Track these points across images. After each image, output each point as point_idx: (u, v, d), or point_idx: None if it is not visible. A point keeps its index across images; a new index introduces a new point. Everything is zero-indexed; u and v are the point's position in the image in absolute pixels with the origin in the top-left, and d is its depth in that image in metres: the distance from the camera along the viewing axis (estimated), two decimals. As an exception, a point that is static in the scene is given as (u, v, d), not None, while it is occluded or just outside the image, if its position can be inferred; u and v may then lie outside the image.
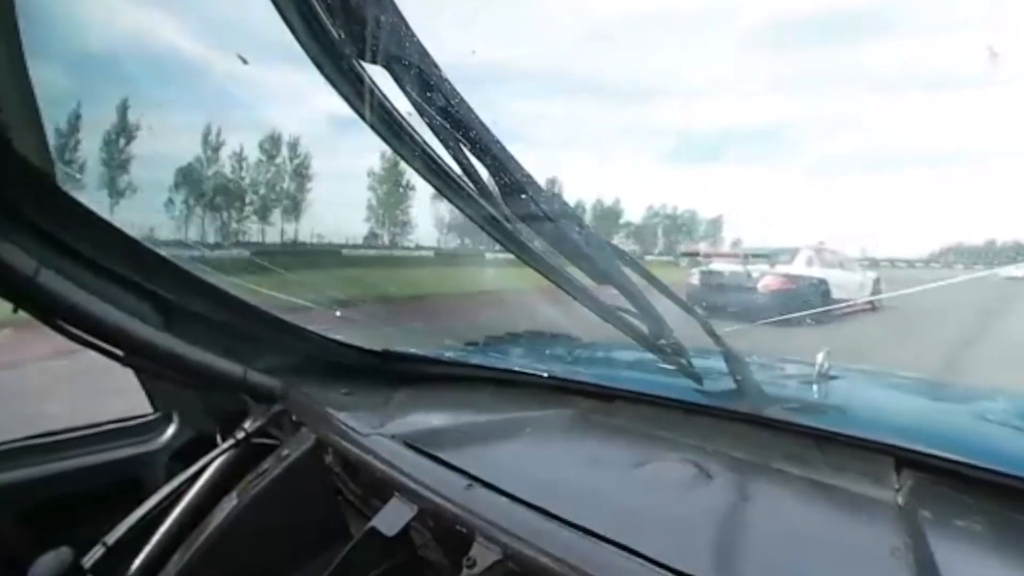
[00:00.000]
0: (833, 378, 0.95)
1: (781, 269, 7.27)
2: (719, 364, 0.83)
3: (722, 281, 7.33)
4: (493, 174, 0.60)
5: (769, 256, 7.49)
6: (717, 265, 7.81)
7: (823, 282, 7.49)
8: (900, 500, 0.66)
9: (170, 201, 15.87)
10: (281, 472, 0.93)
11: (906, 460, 0.72)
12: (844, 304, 6.45)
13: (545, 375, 1.04)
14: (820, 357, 0.92)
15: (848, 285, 8.20)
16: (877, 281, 9.26)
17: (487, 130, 0.57)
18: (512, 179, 0.60)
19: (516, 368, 1.09)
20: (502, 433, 0.87)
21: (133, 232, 0.84)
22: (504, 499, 0.65)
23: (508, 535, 0.60)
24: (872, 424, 0.80)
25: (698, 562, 0.53)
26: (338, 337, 1.14)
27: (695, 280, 7.56)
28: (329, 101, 0.53)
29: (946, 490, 0.68)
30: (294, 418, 1.01)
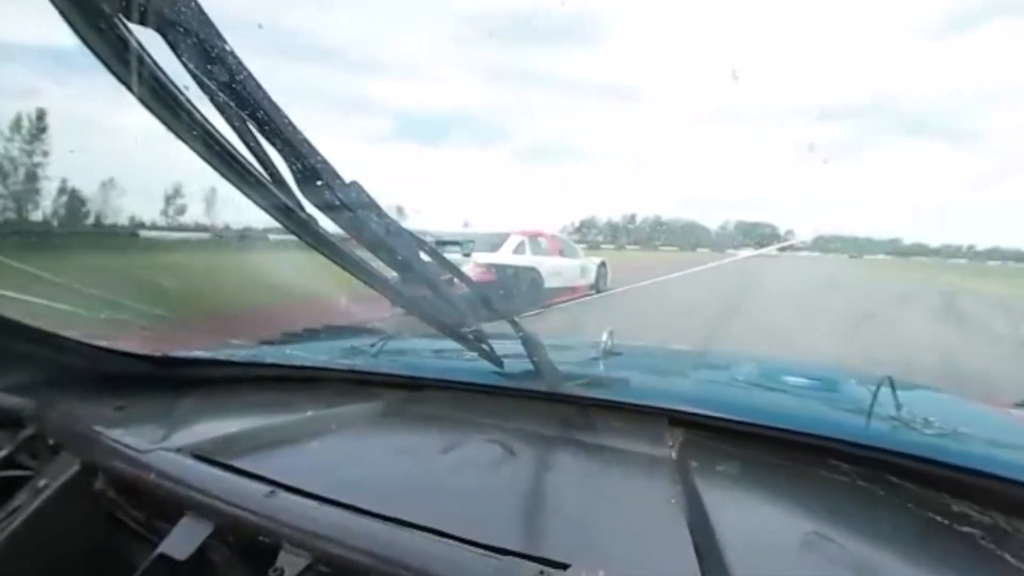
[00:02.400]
0: (617, 354, 1.08)
1: (482, 258, 6.68)
2: (519, 348, 0.89)
3: None
4: (285, 159, 0.58)
5: (462, 244, 6.60)
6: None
7: (532, 270, 7.22)
8: (674, 455, 0.77)
9: None
10: (38, 507, 0.78)
11: (677, 420, 0.84)
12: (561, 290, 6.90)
13: (348, 369, 1.02)
14: (605, 336, 1.04)
15: (566, 272, 8.17)
16: (602, 265, 9.43)
17: (278, 111, 0.54)
18: (306, 165, 0.58)
19: (317, 364, 1.05)
20: (304, 433, 0.84)
21: None
22: (310, 502, 0.63)
23: (316, 538, 0.59)
24: (649, 392, 0.93)
25: (504, 533, 0.56)
26: (105, 343, 0.99)
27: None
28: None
29: (710, 442, 0.80)
30: (51, 442, 0.86)
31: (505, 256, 7.17)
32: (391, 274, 0.73)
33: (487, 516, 0.62)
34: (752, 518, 0.65)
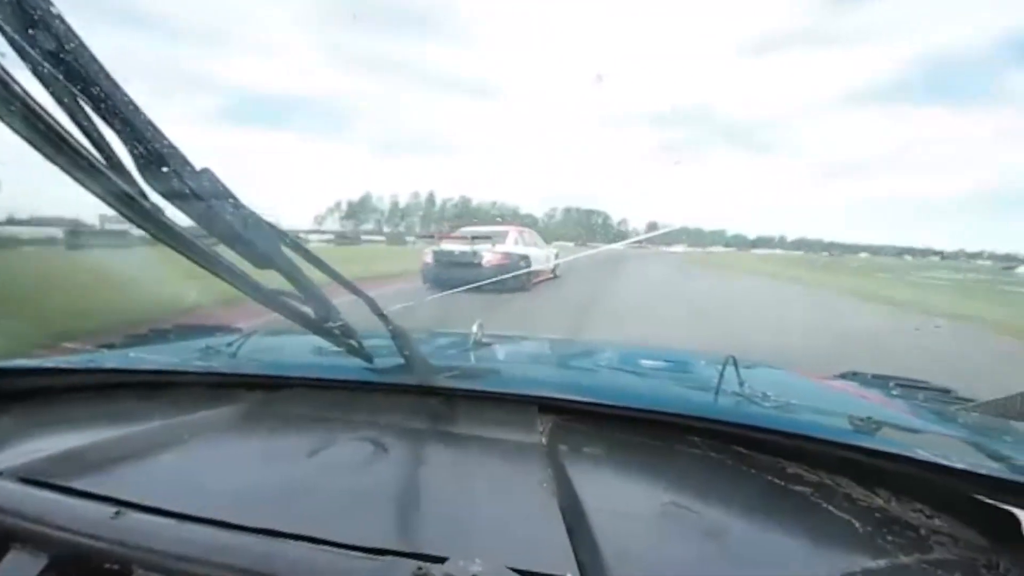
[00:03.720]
0: (487, 344, 1.12)
1: (499, 248, 9.13)
2: (388, 342, 0.88)
3: (453, 259, 8.88)
4: (125, 142, 0.52)
5: (492, 238, 9.30)
6: (448, 245, 9.38)
7: (526, 257, 9.51)
8: (544, 440, 0.81)
9: None
10: None
11: (546, 406, 0.88)
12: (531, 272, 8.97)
13: (203, 371, 0.95)
14: (475, 327, 1.07)
15: (541, 259, 10.79)
16: (557, 255, 12.10)
17: (118, 87, 0.49)
18: (150, 149, 0.53)
19: (167, 368, 0.96)
20: (154, 445, 0.76)
21: None
22: (164, 520, 0.57)
23: (172, 558, 0.53)
24: (519, 380, 0.97)
25: (380, 533, 0.56)
26: None
27: (429, 259, 9.07)
28: None
29: (577, 425, 0.85)
30: None
31: (511, 246, 9.43)
32: (250, 268, 0.69)
33: (361, 517, 0.61)
34: (617, 494, 0.70)
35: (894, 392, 1.13)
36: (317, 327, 0.82)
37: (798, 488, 0.73)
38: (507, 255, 9.02)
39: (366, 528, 0.57)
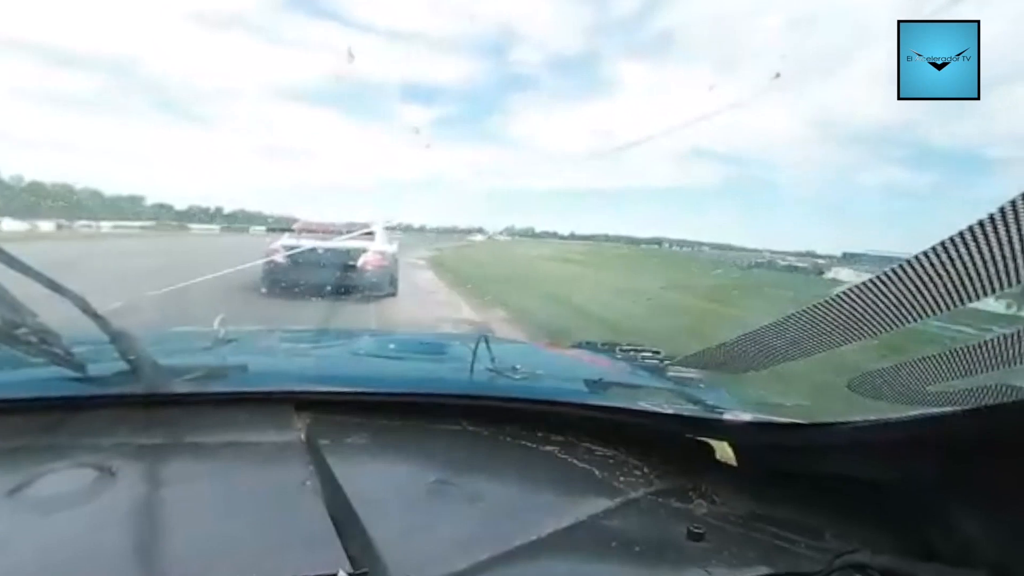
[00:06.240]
0: (231, 341, 1.03)
1: (375, 246, 7.28)
2: (107, 347, 0.77)
3: (318, 259, 6.68)
4: None
5: (373, 233, 7.17)
6: (307, 240, 6.98)
7: (395, 255, 7.98)
8: (303, 437, 0.77)
9: None
10: None
11: (303, 402, 0.84)
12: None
13: None
14: (216, 323, 0.98)
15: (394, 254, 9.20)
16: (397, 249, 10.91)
17: None
18: None
19: None
20: None
21: None
22: None
23: None
24: (271, 378, 0.91)
25: (112, 572, 0.49)
26: None
27: (280, 257, 6.43)
28: None
29: (337, 417, 0.83)
30: None
31: (382, 244, 7.53)
32: None
33: (84, 561, 0.51)
34: (382, 480, 0.71)
35: (618, 356, 1.30)
36: (5, 335, 0.70)
37: (547, 448, 0.81)
38: (383, 254, 7.44)
39: (94, 570, 0.49)
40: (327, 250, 6.66)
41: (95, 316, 0.75)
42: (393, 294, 7.33)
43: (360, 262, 7.05)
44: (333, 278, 6.61)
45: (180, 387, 0.81)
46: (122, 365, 0.78)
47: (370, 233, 6.95)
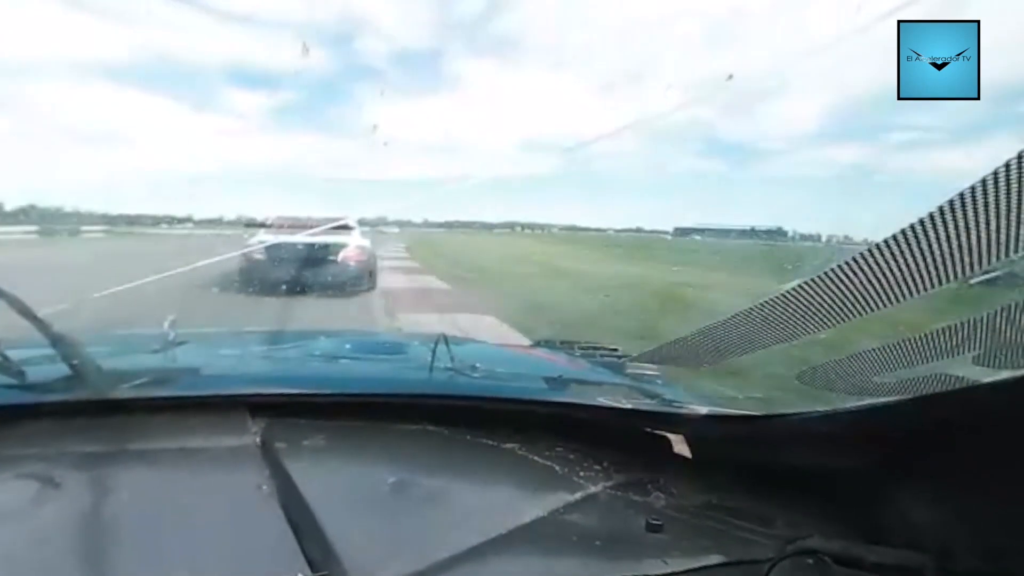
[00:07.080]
0: (181, 343, 1.00)
1: (355, 241, 7.26)
2: (47, 351, 0.73)
3: (297, 255, 6.53)
4: None
5: (352, 229, 7.17)
6: (285, 236, 7.06)
7: (372, 250, 7.94)
8: (258, 441, 0.75)
9: None
10: None
11: (258, 405, 0.81)
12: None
13: None
14: (166, 325, 0.95)
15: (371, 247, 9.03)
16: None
17: None
18: None
19: None
20: None
21: None
22: None
23: None
24: (223, 381, 0.89)
25: None
26: None
27: (260, 254, 6.03)
28: None
29: (293, 419, 0.80)
30: None
31: (361, 239, 7.51)
32: None
33: (32, 568, 0.50)
34: (341, 483, 0.70)
35: (576, 354, 1.31)
36: None
37: (508, 445, 0.81)
38: (363, 249, 7.40)
39: None
40: (307, 245, 6.59)
41: (34, 319, 0.72)
42: (372, 288, 7.31)
43: (340, 257, 7.00)
44: (314, 273, 6.54)
45: (127, 392, 0.78)
46: (64, 370, 0.74)
47: (347, 227, 6.75)
